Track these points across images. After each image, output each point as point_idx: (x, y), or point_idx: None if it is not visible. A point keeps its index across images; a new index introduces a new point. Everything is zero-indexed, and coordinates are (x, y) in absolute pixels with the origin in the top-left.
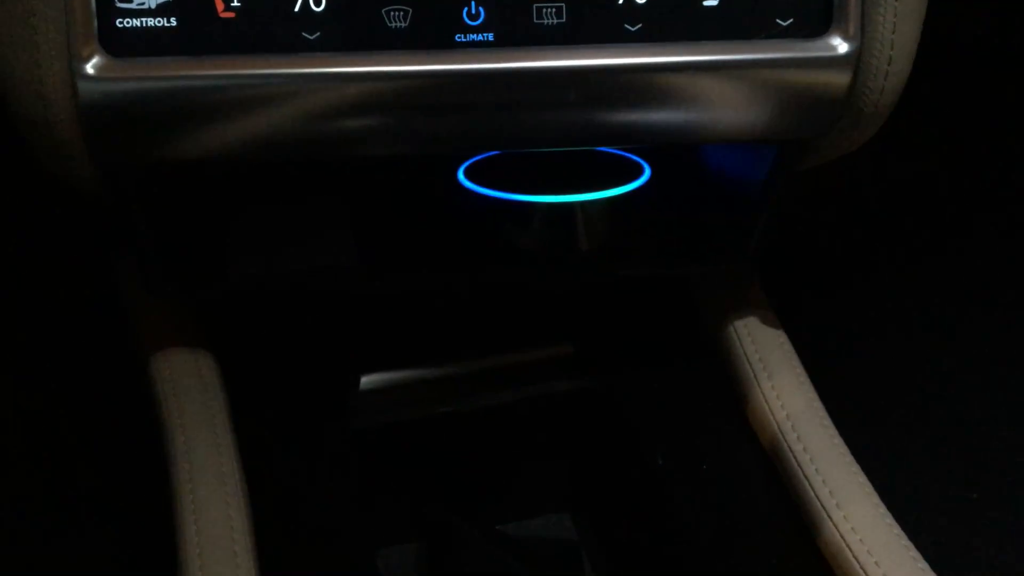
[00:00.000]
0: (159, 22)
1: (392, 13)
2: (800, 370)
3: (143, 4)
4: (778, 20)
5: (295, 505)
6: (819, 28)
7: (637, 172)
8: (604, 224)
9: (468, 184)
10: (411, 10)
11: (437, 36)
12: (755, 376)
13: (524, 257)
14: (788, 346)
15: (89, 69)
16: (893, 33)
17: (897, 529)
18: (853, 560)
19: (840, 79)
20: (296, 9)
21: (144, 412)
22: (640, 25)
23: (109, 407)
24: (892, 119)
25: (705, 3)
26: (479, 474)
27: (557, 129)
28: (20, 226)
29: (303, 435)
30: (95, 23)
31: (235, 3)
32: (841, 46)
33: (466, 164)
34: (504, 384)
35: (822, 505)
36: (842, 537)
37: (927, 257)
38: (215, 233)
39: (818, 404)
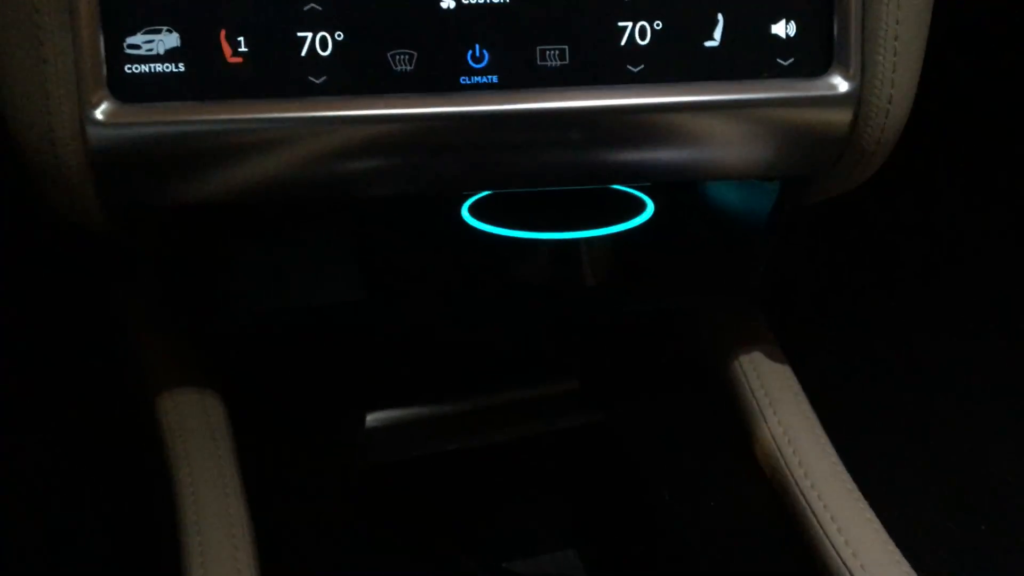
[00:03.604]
0: (168, 67)
1: (397, 57)
2: (806, 404)
3: (152, 50)
4: (779, 60)
5: (302, 544)
6: (820, 67)
7: (640, 208)
8: (608, 260)
9: (472, 221)
10: (416, 54)
11: (442, 79)
12: (760, 410)
13: (528, 293)
14: (793, 380)
15: (99, 115)
16: (894, 72)
17: (906, 566)
18: None
19: (841, 117)
20: (303, 54)
21: (150, 447)
22: (642, 66)
23: (114, 445)
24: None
25: (706, 44)
26: (484, 510)
27: (561, 169)
28: (26, 260)
29: (309, 473)
30: (104, 69)
31: (243, 48)
32: (842, 85)
33: (470, 201)
34: (509, 420)
35: (830, 541)
36: (851, 574)
37: (930, 287)
38: (223, 270)
39: (824, 439)
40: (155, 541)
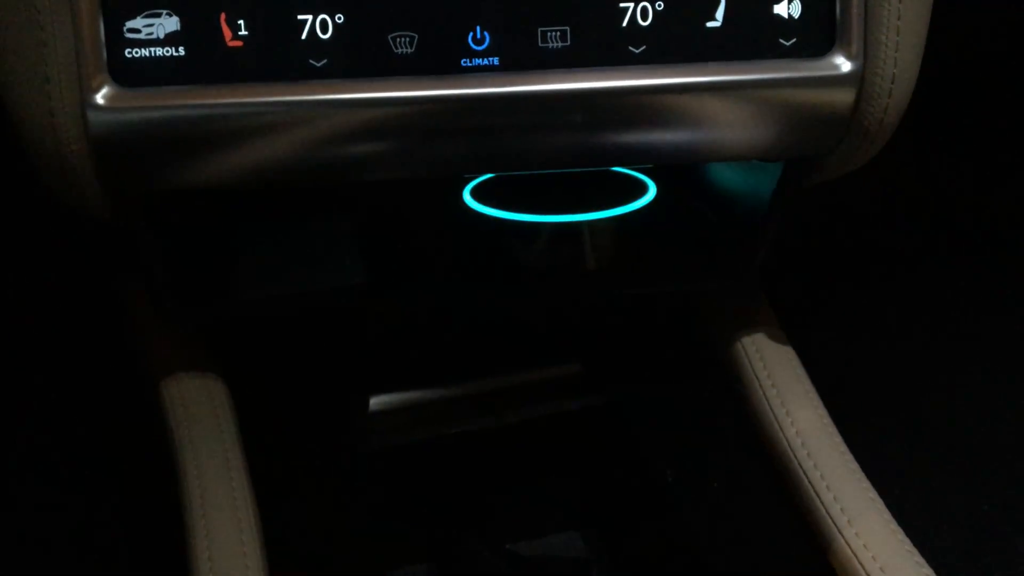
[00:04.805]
0: (168, 52)
1: (398, 39)
2: (809, 386)
3: (152, 34)
4: (781, 40)
5: (306, 527)
6: (822, 48)
7: (643, 190)
8: (610, 243)
9: (474, 204)
10: (417, 36)
11: (443, 61)
12: (764, 393)
13: (531, 276)
14: (796, 362)
15: (99, 99)
16: (896, 52)
17: (908, 544)
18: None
19: (844, 98)
20: (303, 37)
21: (155, 436)
22: (644, 47)
23: (119, 431)
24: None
25: (708, 24)
26: (489, 493)
27: (563, 151)
28: (30, 249)
29: (313, 457)
30: (104, 53)
31: (243, 32)
32: (844, 65)
33: (472, 184)
34: (513, 403)
35: (833, 521)
36: (853, 553)
37: (933, 268)
38: (225, 255)
39: (828, 420)
40: (162, 524)
